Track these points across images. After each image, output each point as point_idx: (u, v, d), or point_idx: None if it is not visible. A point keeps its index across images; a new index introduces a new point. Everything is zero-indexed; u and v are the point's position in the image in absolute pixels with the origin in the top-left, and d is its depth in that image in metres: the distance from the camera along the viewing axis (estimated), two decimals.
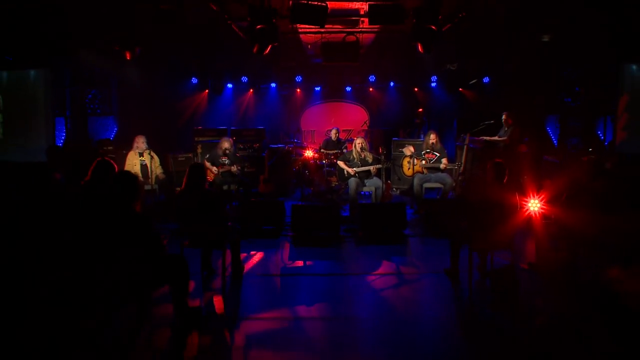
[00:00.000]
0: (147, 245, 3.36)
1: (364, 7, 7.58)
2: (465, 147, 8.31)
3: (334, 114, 11.92)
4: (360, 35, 9.00)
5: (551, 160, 8.04)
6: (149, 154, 6.99)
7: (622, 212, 4.62)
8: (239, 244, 4.75)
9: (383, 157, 7.04)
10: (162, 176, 7.30)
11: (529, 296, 4.40)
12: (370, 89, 11.87)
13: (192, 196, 4.36)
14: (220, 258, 4.40)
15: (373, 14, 6.78)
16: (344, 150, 8.78)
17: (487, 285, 4.59)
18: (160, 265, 3.44)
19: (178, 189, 6.50)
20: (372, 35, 9.56)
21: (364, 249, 5.88)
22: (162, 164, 7.53)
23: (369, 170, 7.13)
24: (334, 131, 9.68)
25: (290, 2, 6.64)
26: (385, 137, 10.52)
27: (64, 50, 7.39)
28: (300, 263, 5.34)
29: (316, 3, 6.39)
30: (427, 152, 7.37)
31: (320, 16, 6.48)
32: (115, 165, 4.37)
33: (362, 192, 7.53)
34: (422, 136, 9.37)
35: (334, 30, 8.81)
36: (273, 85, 11.75)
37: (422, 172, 7.32)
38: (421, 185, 7.22)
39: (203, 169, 4.55)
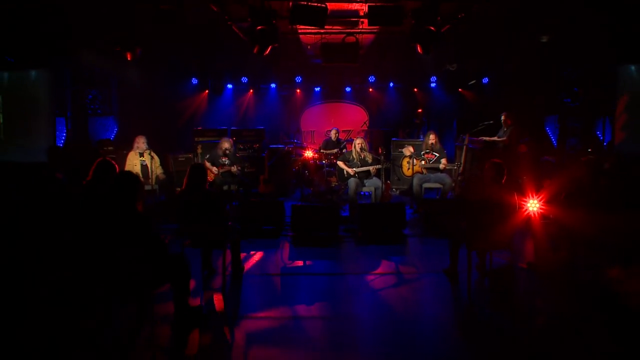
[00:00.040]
0: (148, 245, 3.38)
1: (364, 8, 7.60)
2: (464, 147, 8.34)
3: (333, 115, 11.95)
4: (359, 36, 9.03)
5: (550, 161, 8.06)
6: (150, 154, 7.01)
7: (621, 212, 4.64)
8: (239, 243, 4.77)
9: (382, 157, 7.06)
10: (162, 176, 7.32)
11: (527, 296, 4.43)
12: (370, 90, 11.90)
13: (193, 196, 4.38)
14: (220, 258, 4.42)
15: (372, 15, 6.81)
16: (344, 151, 8.80)
17: (486, 284, 4.61)
18: (161, 264, 3.46)
19: (178, 189, 6.53)
20: (371, 36, 9.58)
21: (364, 248, 5.90)
22: (163, 164, 7.55)
23: (368, 171, 7.15)
24: (333, 131, 9.71)
25: (290, 3, 6.66)
26: (385, 137, 10.56)
27: (65, 51, 7.41)
28: (300, 263, 5.36)
29: (316, 4, 6.41)
30: (426, 153, 7.39)
31: (319, 17, 6.50)
32: (116, 166, 4.39)
33: (362, 192, 7.55)
34: (421, 136, 9.40)
35: (334, 31, 8.83)
36: (273, 85, 11.78)
37: (422, 173, 7.34)
38: (420, 186, 7.24)
39: (204, 170, 4.58)
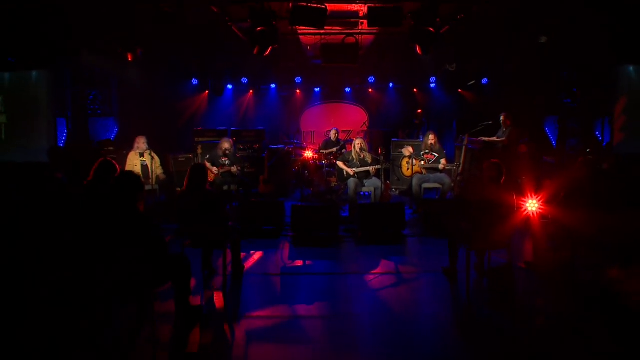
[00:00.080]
0: (149, 245, 3.40)
1: (363, 9, 7.63)
2: (463, 147, 8.36)
3: (333, 115, 11.98)
4: (359, 37, 9.05)
5: (549, 161, 8.09)
6: (150, 154, 7.03)
7: (619, 212, 4.66)
8: (239, 243, 4.79)
9: (382, 157, 7.09)
10: (162, 176, 7.34)
11: (526, 295, 4.44)
12: (370, 90, 11.93)
13: (194, 196, 4.41)
14: (220, 258, 4.44)
15: (372, 17, 6.83)
16: (343, 151, 8.82)
17: (484, 284, 4.64)
18: (162, 264, 3.48)
19: (178, 189, 6.57)
20: (371, 37, 9.61)
21: (363, 248, 5.92)
22: (163, 164, 7.57)
23: (368, 171, 7.18)
24: (333, 132, 9.74)
25: (290, 4, 6.69)
26: (385, 137, 10.58)
27: (65, 51, 7.43)
28: (299, 262, 5.38)
29: (315, 5, 6.44)
30: (426, 153, 7.42)
31: (319, 18, 6.52)
32: (117, 166, 4.42)
33: (362, 193, 7.58)
34: (421, 137, 9.42)
35: (334, 32, 8.86)
36: (273, 86, 11.80)
37: (421, 173, 7.37)
38: (420, 186, 7.26)
39: (204, 170, 4.61)
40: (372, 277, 4.91)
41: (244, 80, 11.46)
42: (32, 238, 3.78)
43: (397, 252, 5.80)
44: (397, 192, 8.85)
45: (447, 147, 9.63)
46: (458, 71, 10.50)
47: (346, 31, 8.74)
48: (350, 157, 7.28)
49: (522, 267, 4.95)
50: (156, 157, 7.18)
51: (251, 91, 11.87)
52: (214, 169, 7.26)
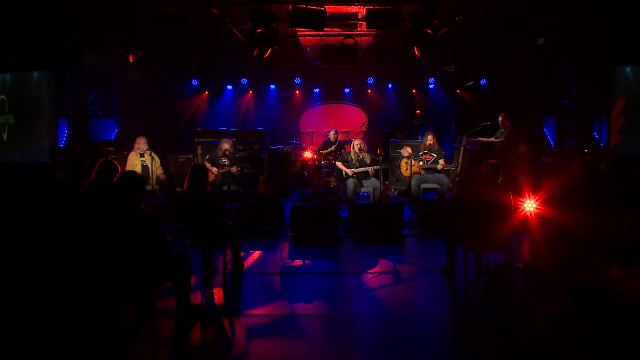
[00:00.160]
0: (151, 244, 3.44)
1: (362, 11, 7.68)
2: (462, 148, 8.40)
3: (332, 116, 12.03)
4: (358, 38, 9.09)
5: (548, 162, 8.13)
6: (150, 155, 7.07)
7: (616, 212, 4.71)
8: (239, 243, 4.83)
9: (381, 158, 7.13)
10: (163, 177, 7.38)
11: (524, 295, 4.48)
12: (369, 91, 11.98)
13: (194, 197, 4.45)
14: (220, 257, 4.49)
15: (371, 19, 6.88)
16: (343, 152, 8.86)
17: (482, 283, 4.68)
18: (163, 263, 3.52)
19: (179, 189, 6.60)
20: (370, 39, 9.66)
21: (362, 248, 5.96)
22: (163, 165, 7.61)
23: (367, 172, 7.22)
24: (332, 132, 9.78)
25: (290, 6, 6.73)
26: (384, 138, 10.63)
27: (66, 52, 7.46)
28: (299, 262, 5.42)
29: (315, 7, 6.48)
30: (424, 154, 7.46)
31: (319, 20, 6.56)
32: (119, 166, 4.45)
33: (361, 193, 7.62)
34: (420, 138, 9.46)
35: (333, 34, 8.90)
36: (272, 87, 11.85)
37: (420, 173, 7.41)
38: (419, 186, 7.31)
39: (205, 171, 4.65)
40: (371, 276, 4.95)
41: (244, 81, 11.50)
42: (32, 238, 3.81)
43: (396, 252, 5.84)
44: (396, 193, 8.89)
45: (446, 148, 9.69)
46: (457, 72, 10.55)
47: (345, 33, 8.79)
48: (350, 158, 7.33)
49: (519, 267, 4.99)
50: (156, 158, 7.22)
51: (251, 92, 11.92)
52: (214, 170, 7.30)
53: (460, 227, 4.63)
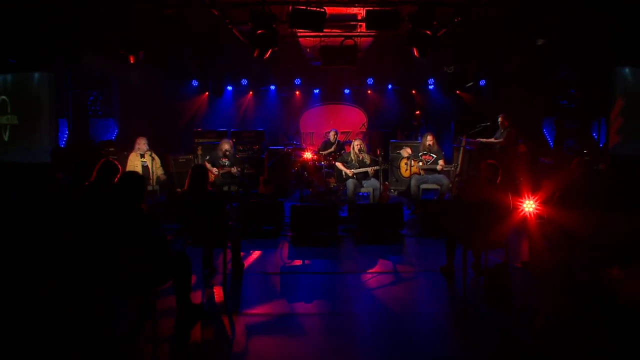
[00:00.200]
0: (152, 244, 3.46)
1: (361, 12, 7.70)
2: (461, 148, 8.42)
3: (332, 116, 12.05)
4: (358, 39, 9.12)
5: (547, 162, 8.15)
6: (150, 155, 7.09)
7: (615, 213, 4.72)
8: (239, 243, 4.85)
9: (381, 158, 7.16)
10: (163, 177, 7.40)
11: (522, 294, 4.50)
12: (369, 92, 12.00)
13: (195, 196, 4.47)
14: (220, 257, 4.50)
15: (370, 20, 6.90)
16: (342, 152, 8.89)
17: (481, 283, 4.69)
18: (164, 262, 3.54)
19: (179, 190, 6.62)
20: (369, 39, 9.69)
21: (362, 248, 5.98)
22: (163, 165, 7.63)
23: (367, 172, 7.24)
24: (332, 133, 9.80)
25: (290, 7, 6.76)
26: (383, 139, 10.64)
27: (66, 52, 7.48)
28: (299, 262, 5.44)
29: (315, 9, 6.51)
30: (424, 154, 7.49)
31: (318, 21, 6.59)
32: (120, 167, 4.47)
33: (360, 193, 7.64)
34: (419, 138, 9.48)
35: (333, 35, 8.93)
36: (272, 87, 11.87)
37: (419, 174, 7.44)
38: (418, 187, 7.33)
39: (205, 171, 4.68)
40: (370, 276, 4.97)
41: (244, 81, 11.53)
42: (33, 238, 3.82)
43: (395, 251, 5.86)
44: (396, 193, 8.91)
45: (445, 148, 9.69)
46: (456, 73, 10.58)
47: (345, 34, 8.81)
48: (349, 158, 7.35)
49: (518, 267, 5.01)
50: (157, 158, 7.24)
51: (251, 92, 11.94)
52: (214, 170, 7.32)
53: (459, 227, 4.65)
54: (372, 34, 9.14)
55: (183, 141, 10.20)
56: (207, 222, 4.42)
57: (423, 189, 7.48)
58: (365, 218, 6.38)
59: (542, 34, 7.82)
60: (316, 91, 12.10)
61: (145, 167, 7.13)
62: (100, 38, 7.59)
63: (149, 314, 3.66)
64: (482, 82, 10.87)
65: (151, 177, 7.07)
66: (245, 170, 8.16)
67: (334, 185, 8.15)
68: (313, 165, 8.97)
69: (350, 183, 7.06)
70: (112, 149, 8.02)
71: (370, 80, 11.48)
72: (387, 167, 7.70)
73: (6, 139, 8.07)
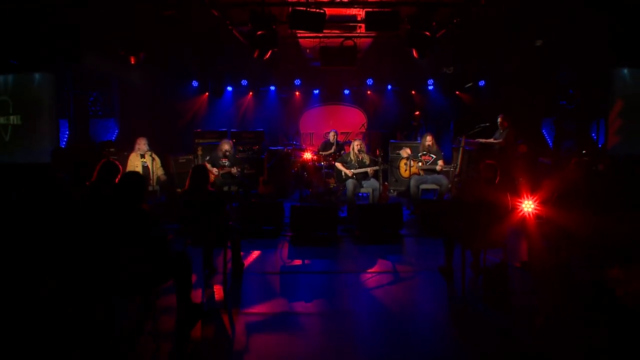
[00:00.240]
0: (152, 243, 3.48)
1: (361, 13, 7.73)
2: (461, 149, 8.44)
3: (332, 117, 12.07)
4: (357, 40, 9.14)
5: (546, 162, 8.17)
6: (151, 155, 7.11)
7: (614, 213, 4.74)
8: (239, 243, 4.87)
9: (380, 159, 7.18)
10: (163, 177, 7.41)
11: (521, 294, 4.52)
12: (368, 92, 12.02)
13: (195, 197, 4.49)
14: (220, 257, 4.52)
15: (369, 21, 6.92)
16: (342, 153, 8.91)
17: (480, 283, 4.71)
18: (164, 262, 3.56)
19: (179, 190, 6.64)
20: (369, 40, 9.71)
21: (361, 248, 6.00)
22: (163, 165, 7.65)
23: (366, 172, 7.26)
24: (332, 133, 9.81)
25: (290, 8, 6.78)
26: (383, 139, 10.67)
27: (66, 53, 7.50)
28: (298, 262, 5.46)
29: (314, 10, 6.53)
30: (423, 154, 7.51)
31: (318, 22, 6.61)
32: (120, 167, 4.49)
33: (360, 194, 7.65)
34: (419, 138, 9.50)
35: (332, 35, 8.95)
36: (272, 88, 11.89)
37: (419, 174, 7.46)
38: (418, 187, 7.35)
39: (206, 171, 4.69)
40: (369, 276, 4.99)
41: (244, 82, 11.55)
42: (33, 238, 3.84)
43: (394, 251, 5.88)
44: (395, 193, 8.93)
45: (445, 149, 9.71)
46: (455, 73, 10.60)
47: (345, 34, 8.84)
48: (349, 159, 7.37)
49: (517, 266, 5.03)
50: (157, 158, 7.26)
51: (251, 93, 11.96)
52: (214, 170, 7.34)
53: (458, 227, 4.67)
54: (372, 34, 9.17)
55: (183, 141, 10.22)
56: (208, 222, 4.43)
57: (422, 189, 7.50)
58: (364, 218, 6.40)
59: (541, 34, 7.84)
60: (316, 92, 12.13)
61: (145, 168, 7.15)
62: (100, 38, 7.61)
63: (149, 314, 3.68)
64: (482, 83, 10.90)
65: (151, 178, 7.09)
66: (245, 171, 8.18)
67: (333, 186, 8.17)
68: (313, 166, 8.99)
69: (349, 183, 7.08)
70: (112, 150, 8.03)
71: (369, 81, 11.50)
72: (386, 167, 7.72)
73: (7, 139, 8.09)
